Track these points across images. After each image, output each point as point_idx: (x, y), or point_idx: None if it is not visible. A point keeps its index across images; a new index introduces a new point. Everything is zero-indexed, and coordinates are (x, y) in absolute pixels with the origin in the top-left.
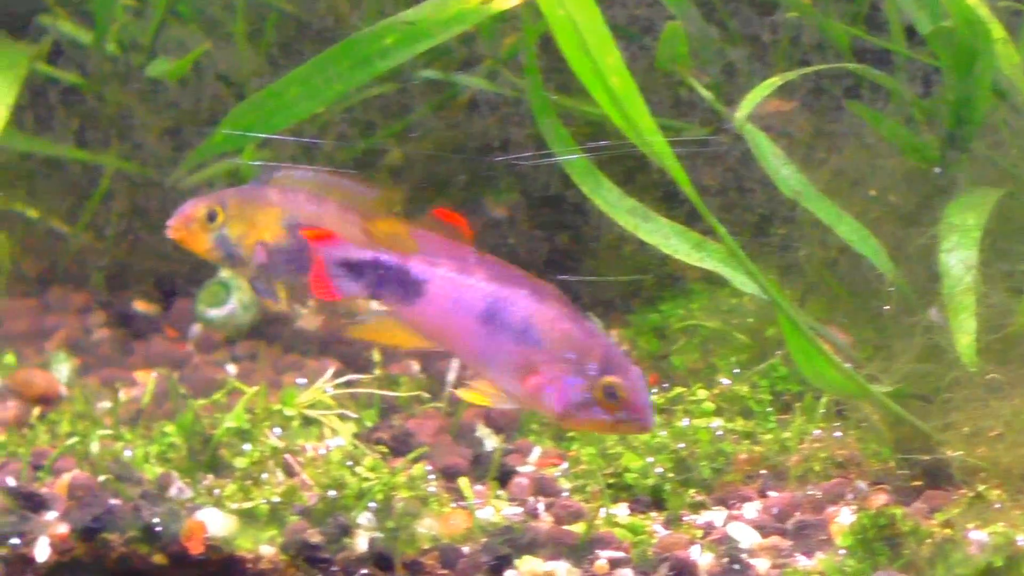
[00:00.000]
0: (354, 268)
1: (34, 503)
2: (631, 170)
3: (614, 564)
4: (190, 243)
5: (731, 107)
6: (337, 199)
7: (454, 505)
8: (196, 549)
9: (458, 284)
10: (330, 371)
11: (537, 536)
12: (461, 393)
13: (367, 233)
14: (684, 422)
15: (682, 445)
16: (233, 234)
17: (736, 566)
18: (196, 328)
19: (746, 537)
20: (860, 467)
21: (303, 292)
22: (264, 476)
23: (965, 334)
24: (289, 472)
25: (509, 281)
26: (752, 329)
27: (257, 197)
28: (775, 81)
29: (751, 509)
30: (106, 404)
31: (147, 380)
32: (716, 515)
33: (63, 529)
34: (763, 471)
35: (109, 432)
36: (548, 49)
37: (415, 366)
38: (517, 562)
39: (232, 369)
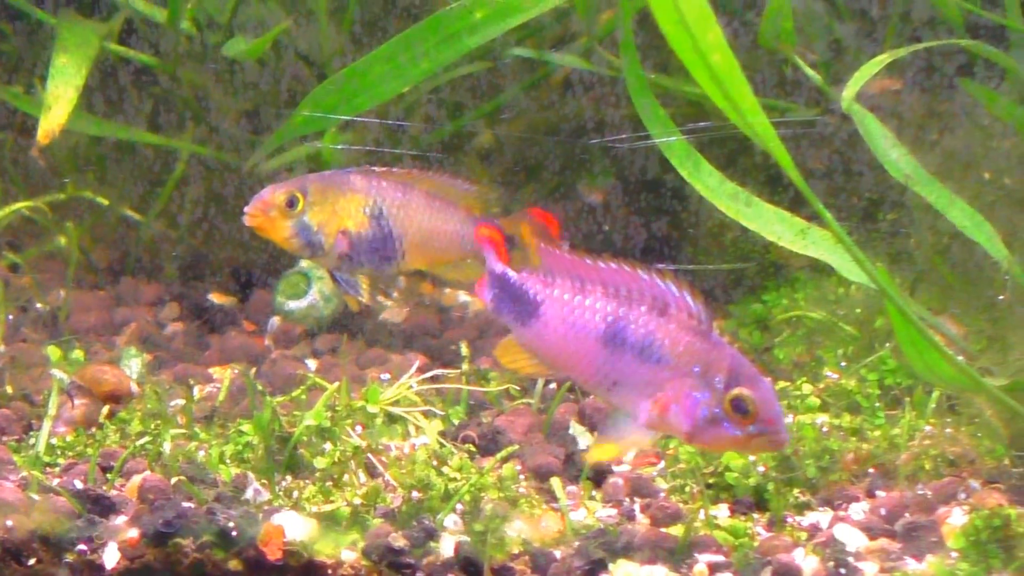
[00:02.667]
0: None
1: (103, 507)
2: (733, 153)
3: (714, 568)
4: (269, 231)
5: (838, 86)
6: (428, 189)
7: (546, 507)
8: (273, 554)
9: (575, 306)
10: (415, 366)
11: (633, 539)
12: (591, 453)
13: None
14: (788, 418)
15: None
16: (314, 221)
17: (843, 570)
18: (275, 321)
19: (853, 539)
20: (973, 465)
21: (388, 283)
22: (345, 477)
23: None
24: (372, 473)
25: (628, 296)
26: (860, 320)
27: (340, 183)
28: (884, 58)
29: (858, 510)
30: (179, 402)
31: (223, 376)
32: (821, 516)
33: (133, 534)
34: (871, 470)
35: (182, 431)
36: (645, 26)
37: None
38: (612, 566)
39: (312, 364)
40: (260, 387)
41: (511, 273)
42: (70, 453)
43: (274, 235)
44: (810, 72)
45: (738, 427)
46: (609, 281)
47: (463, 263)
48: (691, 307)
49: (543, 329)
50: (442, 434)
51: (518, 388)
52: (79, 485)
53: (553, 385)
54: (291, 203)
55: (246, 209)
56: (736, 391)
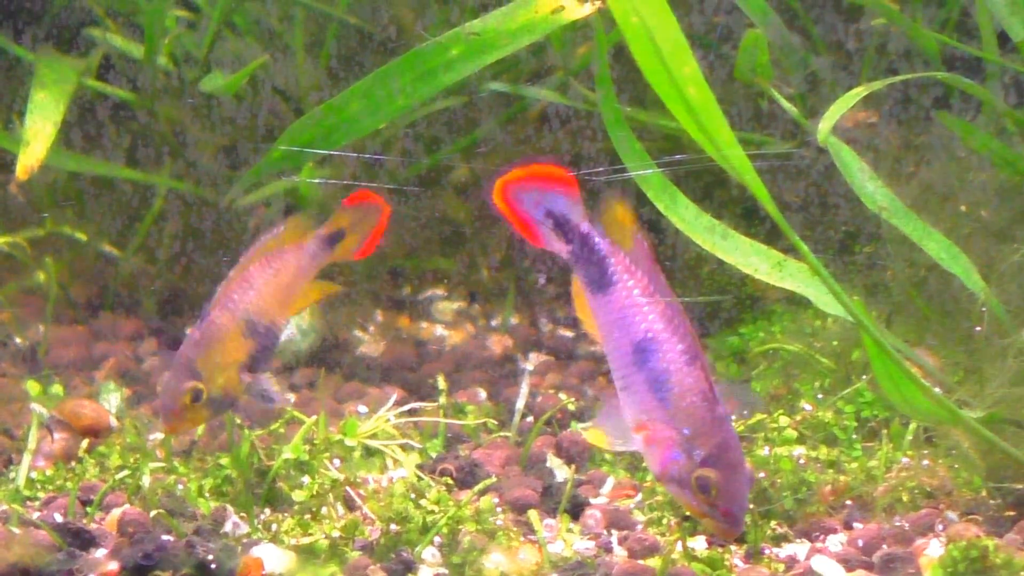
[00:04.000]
0: (564, 228)
1: (83, 540)
2: (709, 186)
3: None
4: (194, 426)
5: (814, 119)
6: (259, 262)
7: (524, 539)
8: None
9: (636, 303)
10: (393, 399)
11: (610, 571)
12: (587, 433)
13: None
14: (765, 450)
15: (763, 475)
16: (220, 388)
17: None
18: None
19: (831, 571)
20: (951, 497)
21: (297, 358)
22: (324, 510)
23: None
24: (350, 505)
25: (677, 329)
26: (836, 352)
27: (213, 338)
28: (860, 91)
29: (836, 541)
30: (158, 436)
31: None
32: (799, 548)
33: (113, 567)
34: (848, 501)
35: (161, 465)
36: (621, 59)
37: (482, 393)
38: None
39: (290, 398)
40: (238, 421)
41: (599, 240)
42: (50, 487)
43: (197, 425)
44: (786, 105)
45: (696, 500)
46: (670, 305)
47: (310, 287)
48: (708, 376)
49: (604, 307)
50: (420, 467)
51: (495, 422)
52: (59, 518)
53: (530, 418)
54: (196, 397)
55: (162, 424)
56: (704, 471)
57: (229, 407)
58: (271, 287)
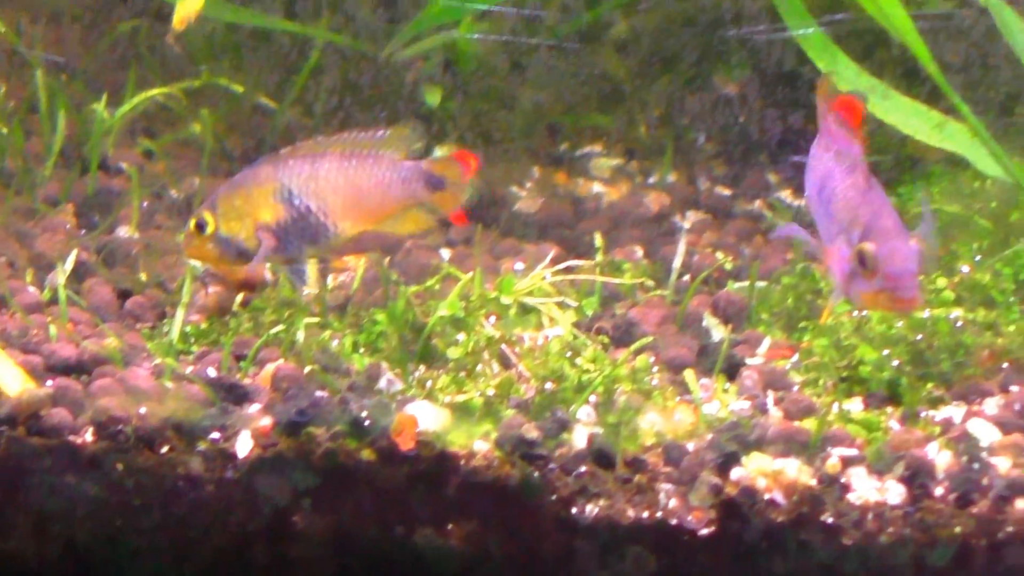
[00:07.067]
0: None
1: (236, 395)
2: (870, 45)
3: (847, 462)
4: (201, 259)
5: None
6: (340, 151)
7: (679, 399)
8: (406, 445)
9: (826, 156)
10: (549, 256)
11: (766, 432)
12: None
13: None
14: (923, 313)
15: (920, 337)
16: (230, 231)
17: (976, 465)
18: None
19: (987, 434)
20: None
21: (338, 255)
22: (479, 368)
23: None
24: (505, 363)
25: (840, 154)
26: (995, 214)
27: (244, 181)
28: None
29: (992, 405)
30: (313, 291)
31: (357, 265)
32: (955, 411)
33: (266, 422)
34: (1005, 364)
35: (316, 320)
36: None
37: (639, 252)
38: (745, 459)
39: (446, 254)
40: (394, 277)
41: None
42: (203, 341)
43: (206, 261)
44: None
45: (866, 282)
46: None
47: (410, 213)
48: (864, 167)
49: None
50: (576, 325)
51: (651, 280)
52: (212, 373)
53: (687, 277)
54: (200, 226)
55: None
56: (861, 245)
57: (242, 257)
58: (338, 179)
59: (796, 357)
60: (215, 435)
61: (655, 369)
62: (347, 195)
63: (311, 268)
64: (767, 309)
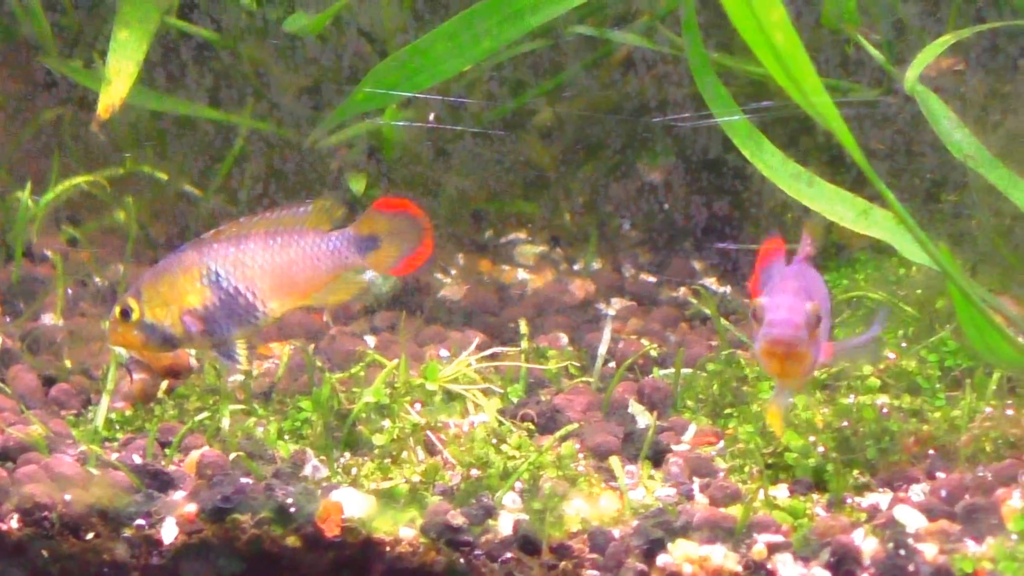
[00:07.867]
0: None
1: (161, 482)
2: (795, 133)
3: (773, 549)
4: (127, 347)
5: (901, 67)
6: (264, 230)
7: (605, 486)
8: (332, 531)
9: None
10: (475, 343)
11: (692, 519)
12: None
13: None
14: (848, 399)
15: (846, 423)
16: (155, 318)
17: (902, 551)
18: None
19: (913, 521)
20: None
21: (265, 338)
22: (404, 454)
23: None
24: (431, 450)
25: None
26: (920, 301)
27: (169, 267)
28: (948, 39)
29: (918, 491)
30: (238, 378)
31: (281, 352)
32: (881, 497)
33: (191, 509)
34: (931, 451)
35: (241, 407)
36: (708, 4)
37: (564, 338)
38: (671, 546)
39: (371, 341)
40: (319, 363)
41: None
42: (128, 428)
43: (131, 348)
44: (874, 52)
45: (759, 333)
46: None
47: (339, 282)
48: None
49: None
50: (501, 412)
51: (577, 367)
52: (138, 460)
53: (612, 364)
54: (125, 313)
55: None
56: (755, 299)
57: (168, 343)
58: (265, 258)
59: (721, 444)
60: (140, 522)
61: (581, 456)
62: (275, 273)
63: (241, 350)
64: (692, 396)
